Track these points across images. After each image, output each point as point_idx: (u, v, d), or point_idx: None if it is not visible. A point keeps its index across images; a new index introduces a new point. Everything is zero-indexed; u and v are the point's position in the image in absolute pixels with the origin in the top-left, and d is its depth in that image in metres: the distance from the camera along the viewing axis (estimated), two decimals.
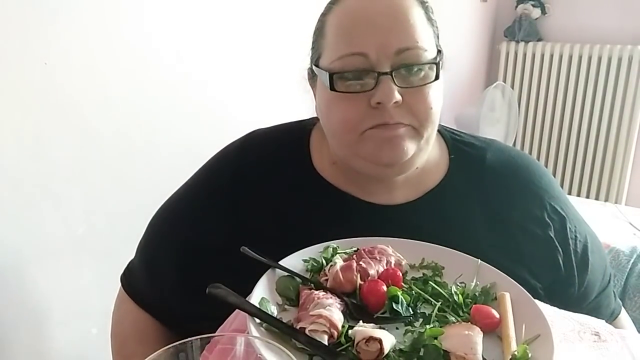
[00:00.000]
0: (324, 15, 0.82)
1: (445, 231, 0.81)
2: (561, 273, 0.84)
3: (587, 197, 3.09)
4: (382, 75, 0.73)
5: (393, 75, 0.73)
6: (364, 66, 0.74)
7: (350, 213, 0.84)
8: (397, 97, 0.72)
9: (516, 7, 3.08)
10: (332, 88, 0.75)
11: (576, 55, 2.94)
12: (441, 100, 0.78)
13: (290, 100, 1.33)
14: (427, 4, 0.80)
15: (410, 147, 0.76)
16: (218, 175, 0.90)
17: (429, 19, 0.79)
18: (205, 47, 1.55)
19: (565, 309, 0.80)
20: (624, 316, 0.95)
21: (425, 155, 0.83)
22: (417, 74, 0.75)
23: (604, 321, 0.71)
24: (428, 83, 0.75)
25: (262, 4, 1.71)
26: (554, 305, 0.79)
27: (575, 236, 0.87)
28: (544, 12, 3.03)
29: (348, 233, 0.78)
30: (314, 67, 0.82)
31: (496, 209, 0.85)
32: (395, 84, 0.73)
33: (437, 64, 0.76)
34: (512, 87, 3.12)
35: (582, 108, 3.01)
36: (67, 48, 1.21)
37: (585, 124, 3.03)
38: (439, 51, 0.79)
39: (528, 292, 0.78)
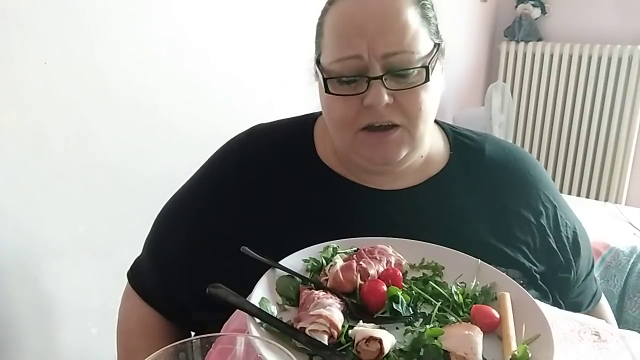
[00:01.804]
0: (322, 15, 0.84)
1: (445, 215, 0.86)
2: (558, 258, 0.88)
3: (587, 197, 3.09)
4: (373, 80, 0.76)
5: (383, 79, 0.76)
6: (359, 68, 0.76)
7: (355, 199, 0.87)
8: (386, 99, 0.76)
9: (516, 7, 3.08)
10: (326, 91, 0.79)
11: (576, 55, 2.94)
12: (435, 100, 0.81)
13: (294, 101, 1.33)
14: (423, 1, 0.80)
15: (402, 149, 0.81)
16: (223, 166, 0.93)
17: (425, 17, 0.79)
18: (206, 46, 1.55)
19: (561, 293, 0.88)
20: (604, 302, 1.01)
21: (420, 151, 0.87)
22: (407, 77, 0.77)
23: (603, 321, 0.72)
24: (418, 85, 0.77)
25: (265, 5, 1.71)
26: (553, 289, 0.86)
27: (566, 223, 0.92)
28: (544, 12, 3.03)
29: (352, 218, 0.84)
30: (315, 65, 0.84)
31: (494, 197, 0.89)
32: (386, 87, 0.76)
33: (427, 68, 0.77)
34: (512, 87, 3.12)
35: (582, 108, 3.01)
36: (67, 48, 1.21)
37: (585, 124, 3.02)
38: (437, 45, 0.80)
39: (524, 274, 0.84)
